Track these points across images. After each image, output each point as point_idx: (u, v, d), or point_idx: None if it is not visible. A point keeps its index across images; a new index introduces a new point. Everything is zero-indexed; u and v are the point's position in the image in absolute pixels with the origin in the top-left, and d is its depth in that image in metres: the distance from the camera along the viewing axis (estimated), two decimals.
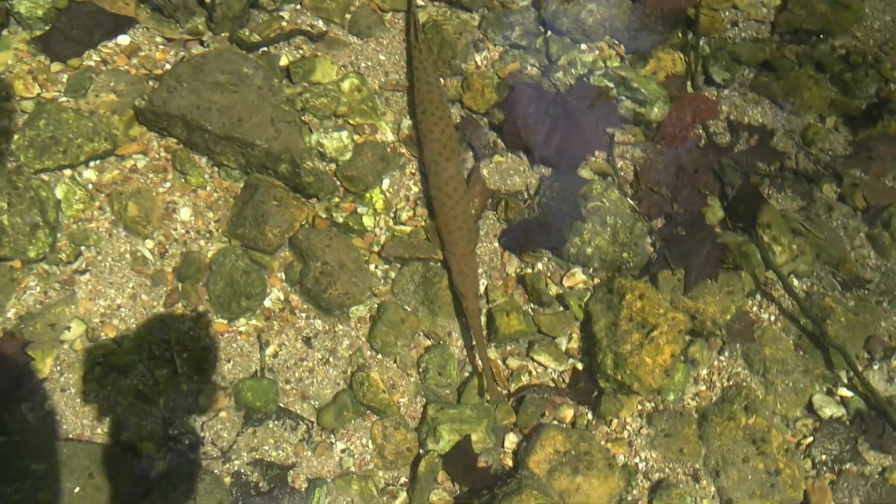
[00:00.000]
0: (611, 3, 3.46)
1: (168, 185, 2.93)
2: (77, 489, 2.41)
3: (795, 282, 3.12)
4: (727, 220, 3.14)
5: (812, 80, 3.49)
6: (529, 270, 3.04)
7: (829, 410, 2.88)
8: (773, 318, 3.05)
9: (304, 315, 2.87)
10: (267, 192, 2.87)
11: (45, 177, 2.80)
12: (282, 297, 2.87)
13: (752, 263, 3.01)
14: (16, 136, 2.78)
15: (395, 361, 2.85)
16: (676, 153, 3.24)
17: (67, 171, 2.83)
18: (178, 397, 2.67)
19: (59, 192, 2.80)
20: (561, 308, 3.00)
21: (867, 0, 3.77)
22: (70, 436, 2.54)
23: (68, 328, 2.63)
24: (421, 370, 2.84)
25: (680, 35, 3.57)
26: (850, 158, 3.34)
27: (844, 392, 2.92)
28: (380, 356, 2.85)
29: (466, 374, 2.86)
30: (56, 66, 2.96)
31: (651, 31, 3.52)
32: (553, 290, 3.01)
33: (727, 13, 3.72)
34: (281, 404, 2.73)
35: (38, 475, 2.40)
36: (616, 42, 3.52)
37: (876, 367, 2.98)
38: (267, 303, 2.86)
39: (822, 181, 3.30)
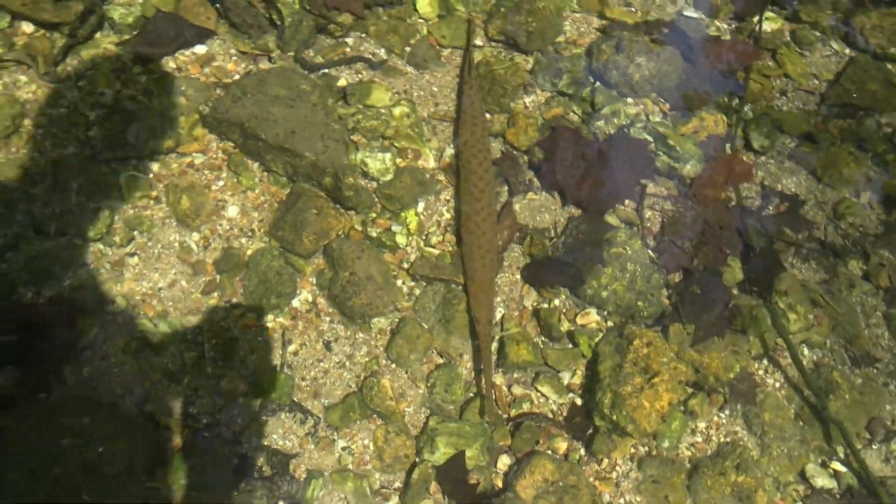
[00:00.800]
0: (661, 59, 3.60)
1: (221, 183, 3.19)
2: (101, 448, 2.64)
3: (806, 351, 3.15)
4: (745, 283, 3.21)
5: (852, 156, 3.54)
6: (545, 305, 3.17)
7: (822, 481, 2.89)
8: (777, 384, 3.09)
9: (328, 319, 3.06)
10: (309, 201, 3.10)
11: (113, 165, 3.09)
12: (310, 300, 3.07)
13: (761, 328, 3.07)
14: (95, 128, 3.09)
15: (406, 373, 3.01)
16: (704, 210, 3.33)
17: (133, 162, 3.12)
18: (202, 380, 2.88)
19: (122, 180, 3.08)
20: (570, 345, 3.11)
21: None
22: (101, 400, 2.78)
23: (113, 303, 2.90)
24: (429, 385, 2.99)
25: (726, 98, 3.68)
26: (880, 238, 3.36)
27: (838, 466, 2.93)
28: (393, 366, 3.01)
29: (471, 395, 3.00)
30: (137, 69, 3.27)
31: (698, 91, 3.64)
32: (565, 326, 3.13)
33: (778, 81, 3.80)
34: (294, 398, 2.92)
35: (69, 432, 2.64)
36: (661, 99, 3.64)
37: (875, 447, 2.98)
38: (295, 303, 3.06)
39: (849, 257, 3.33)
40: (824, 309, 3.17)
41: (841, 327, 3.17)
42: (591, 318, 3.14)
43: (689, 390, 3.03)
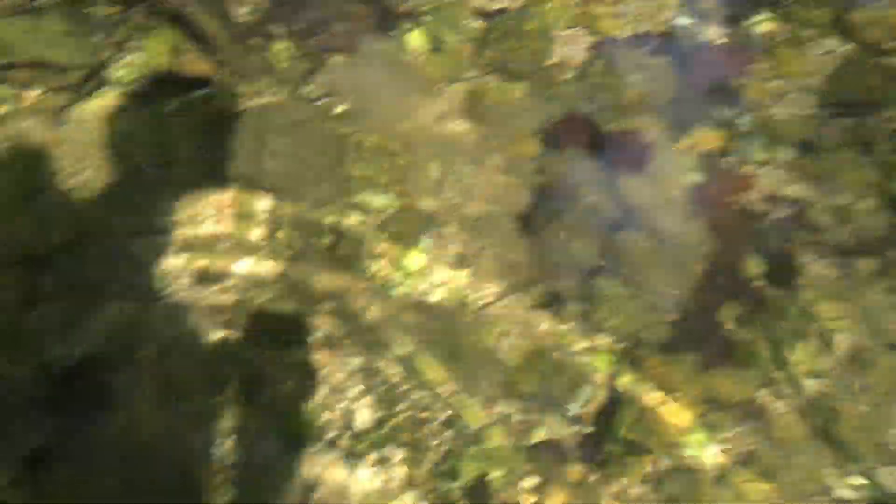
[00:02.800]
0: (653, 75, 3.60)
1: None
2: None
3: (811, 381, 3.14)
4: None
5: (854, 160, 3.49)
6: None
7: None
8: (784, 410, 3.09)
9: None
10: None
11: None
12: None
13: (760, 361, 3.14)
14: None
15: None
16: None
17: None
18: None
19: None
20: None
21: None
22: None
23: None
24: None
25: (723, 109, 3.65)
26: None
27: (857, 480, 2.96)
28: None
29: None
30: None
31: (692, 106, 3.62)
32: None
33: (774, 84, 3.76)
34: None
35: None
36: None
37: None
38: None
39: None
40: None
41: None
42: None
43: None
